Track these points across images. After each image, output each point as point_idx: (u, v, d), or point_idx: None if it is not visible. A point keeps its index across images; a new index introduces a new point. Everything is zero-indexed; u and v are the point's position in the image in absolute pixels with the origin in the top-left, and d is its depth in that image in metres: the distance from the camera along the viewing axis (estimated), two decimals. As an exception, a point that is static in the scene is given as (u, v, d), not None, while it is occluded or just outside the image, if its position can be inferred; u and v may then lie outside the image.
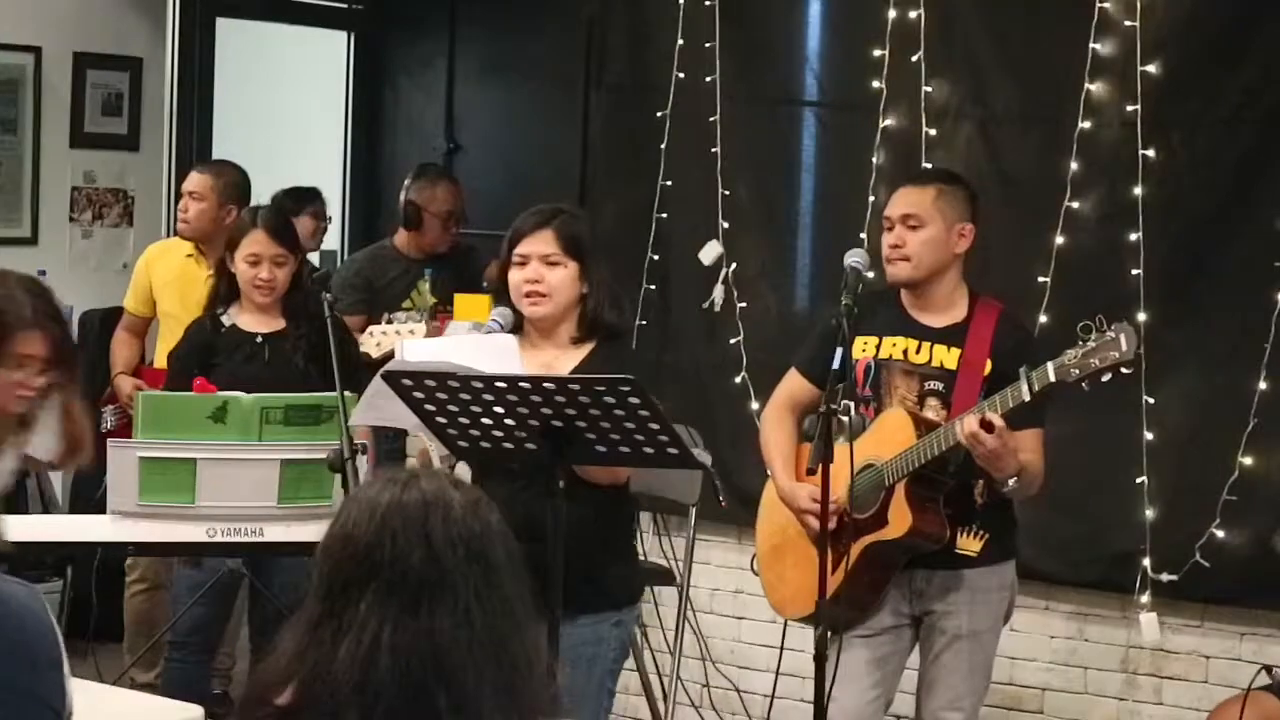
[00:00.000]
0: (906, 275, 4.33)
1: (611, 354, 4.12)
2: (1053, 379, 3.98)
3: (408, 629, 2.07)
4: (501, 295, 4.16)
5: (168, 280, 6.04)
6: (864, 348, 4.39)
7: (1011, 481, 4.16)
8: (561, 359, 4.09)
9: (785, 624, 4.49)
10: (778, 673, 4.37)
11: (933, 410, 4.29)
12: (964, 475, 4.22)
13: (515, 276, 4.09)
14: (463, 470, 3.99)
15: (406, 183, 6.67)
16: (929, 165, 5.42)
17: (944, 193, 4.34)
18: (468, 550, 2.12)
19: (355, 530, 2.12)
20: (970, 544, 4.30)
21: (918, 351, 4.35)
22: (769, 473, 4.55)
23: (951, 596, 4.33)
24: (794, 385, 4.54)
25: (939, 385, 4.30)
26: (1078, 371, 3.96)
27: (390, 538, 2.10)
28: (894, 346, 4.36)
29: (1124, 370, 3.96)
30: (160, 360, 5.97)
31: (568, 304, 4.09)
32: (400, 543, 2.10)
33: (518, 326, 4.10)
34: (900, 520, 4.22)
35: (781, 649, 4.35)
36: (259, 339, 5.20)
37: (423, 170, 6.84)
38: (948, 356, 4.31)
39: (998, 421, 4.02)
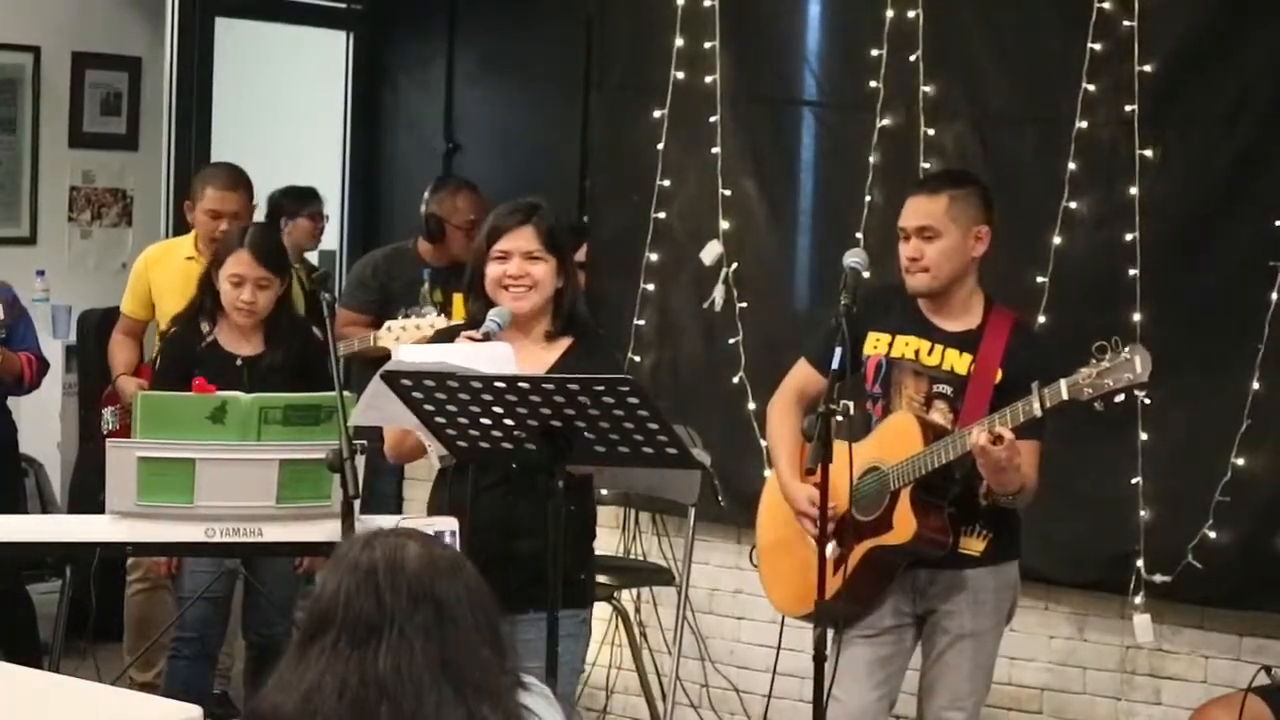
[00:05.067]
0: (926, 286, 4.33)
1: (595, 349, 4.18)
2: (1065, 397, 3.99)
3: (351, 662, 2.41)
4: (475, 290, 4.18)
5: (169, 285, 5.95)
6: (876, 344, 4.39)
7: (1012, 497, 4.18)
8: (539, 354, 4.12)
9: (783, 624, 4.49)
10: (774, 672, 4.37)
11: (939, 413, 4.29)
12: (969, 481, 4.22)
13: (495, 271, 4.12)
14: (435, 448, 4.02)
15: (426, 195, 6.63)
16: (936, 167, 5.40)
17: (956, 199, 4.33)
18: (412, 594, 2.43)
19: (323, 591, 2.48)
20: (974, 544, 4.31)
21: (929, 353, 4.35)
22: (773, 466, 4.55)
23: (954, 596, 4.33)
24: (803, 376, 4.54)
25: (948, 389, 4.30)
26: (1091, 391, 3.96)
27: (346, 594, 2.45)
28: (906, 346, 4.36)
29: (1137, 392, 3.97)
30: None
31: (548, 298, 4.13)
32: (353, 596, 2.44)
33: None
34: (905, 526, 4.22)
35: (779, 649, 4.34)
36: (239, 362, 5.17)
37: (441, 182, 6.81)
38: (959, 362, 4.31)
39: (1007, 435, 4.02)
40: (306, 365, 5.10)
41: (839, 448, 4.13)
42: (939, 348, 4.34)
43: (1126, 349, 3.95)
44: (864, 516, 4.30)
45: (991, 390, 4.24)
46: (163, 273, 6.02)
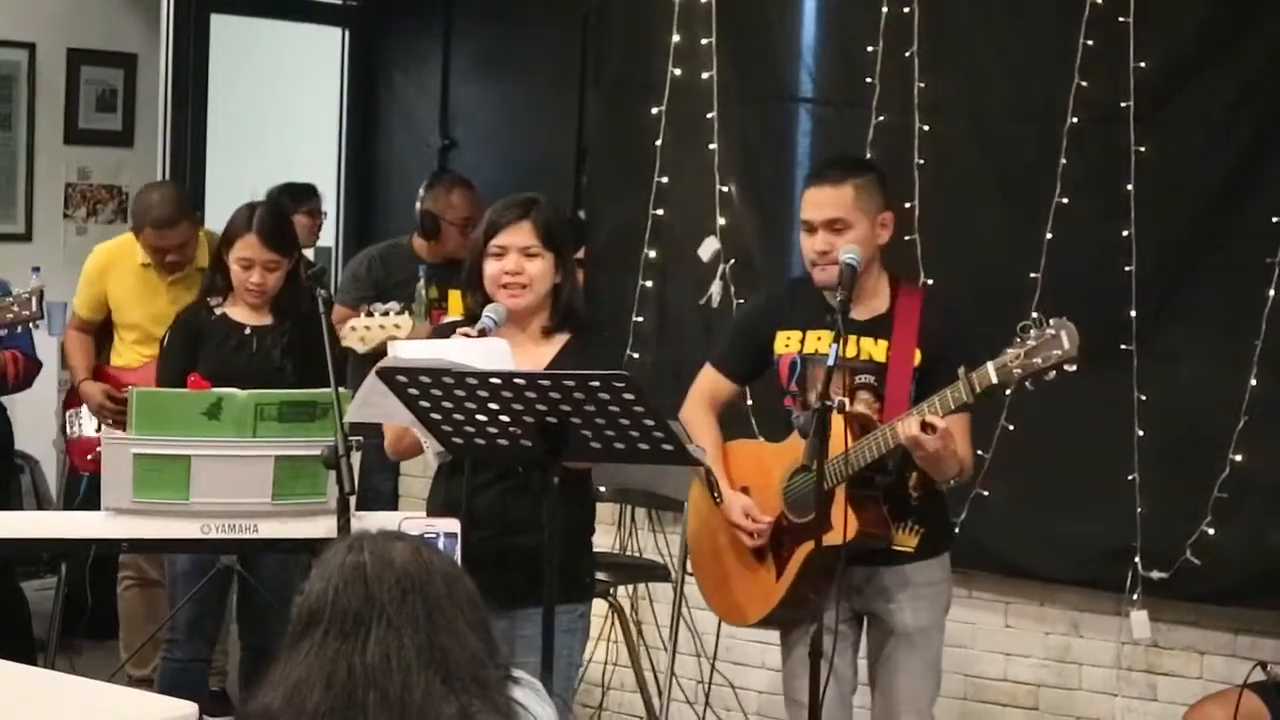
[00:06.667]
0: (837, 280, 4.20)
1: (591, 346, 4.17)
2: (994, 380, 3.93)
3: (339, 653, 2.42)
4: (474, 285, 4.17)
5: (128, 292, 5.89)
6: (787, 343, 4.33)
7: (952, 481, 4.15)
8: (536, 351, 4.11)
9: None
10: (712, 661, 4.35)
11: (864, 404, 4.23)
12: (902, 465, 4.17)
13: (493, 268, 4.11)
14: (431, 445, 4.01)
15: (420, 192, 6.63)
16: (931, 163, 5.39)
17: (861, 188, 4.24)
18: (401, 586, 2.45)
19: (311, 591, 2.50)
20: (907, 540, 4.26)
21: (844, 345, 4.26)
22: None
23: (893, 594, 4.29)
24: (712, 382, 4.52)
25: (870, 378, 4.23)
26: (1020, 371, 3.90)
27: (334, 590, 2.47)
28: (819, 341, 4.26)
29: (1068, 368, 3.90)
30: (118, 359, 5.92)
31: (544, 294, 4.12)
32: (341, 592, 2.46)
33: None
34: (844, 524, 4.15)
35: (713, 637, 4.33)
36: (247, 330, 5.23)
37: (436, 178, 6.81)
38: (875, 349, 4.25)
39: (939, 424, 3.97)
40: (306, 337, 5.10)
41: (761, 449, 4.10)
42: (853, 338, 4.21)
43: (1051, 324, 3.88)
44: (798, 518, 4.25)
45: (912, 372, 4.19)
46: (119, 282, 5.92)
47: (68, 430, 6.08)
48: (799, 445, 4.25)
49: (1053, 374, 3.91)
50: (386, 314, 5.71)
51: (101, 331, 6.01)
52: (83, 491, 5.89)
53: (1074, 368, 3.88)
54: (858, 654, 4.42)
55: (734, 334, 4.56)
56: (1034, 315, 3.91)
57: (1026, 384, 3.94)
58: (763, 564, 4.35)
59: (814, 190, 4.28)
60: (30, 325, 5.69)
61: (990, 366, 3.93)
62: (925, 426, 3.97)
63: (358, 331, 5.66)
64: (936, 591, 4.35)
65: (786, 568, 4.27)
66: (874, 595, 4.30)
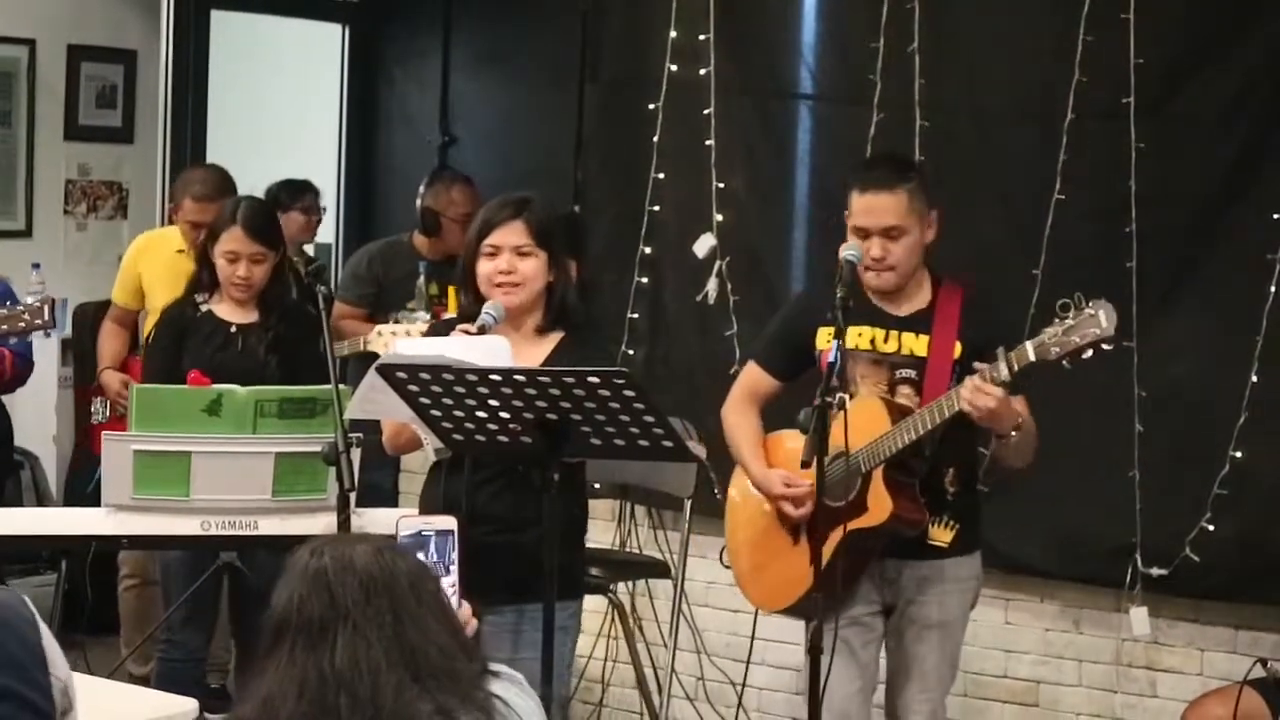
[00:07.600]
0: (893, 284, 4.29)
1: (585, 343, 4.17)
2: (1032, 359, 3.97)
3: (308, 662, 2.41)
4: (466, 284, 4.17)
5: (158, 276, 5.93)
6: (828, 338, 4.35)
7: (1014, 433, 4.15)
8: (530, 349, 4.11)
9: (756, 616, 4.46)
10: (748, 662, 4.34)
11: (905, 398, 4.27)
12: (938, 459, 4.21)
13: (486, 267, 4.11)
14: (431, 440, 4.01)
15: (421, 189, 6.64)
16: (932, 160, 5.39)
17: (913, 193, 4.28)
18: (364, 588, 2.44)
19: (277, 601, 2.49)
20: (942, 534, 4.30)
21: (885, 340, 4.31)
22: (738, 462, 4.54)
23: (924, 587, 4.32)
24: (754, 378, 4.55)
25: (911, 373, 4.28)
26: (1058, 350, 3.94)
27: (299, 599, 2.46)
28: (860, 336, 4.31)
29: (1105, 347, 3.94)
30: None
31: (538, 293, 4.12)
32: (305, 600, 2.45)
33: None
34: (881, 507, 4.20)
35: (753, 638, 4.33)
36: (233, 329, 5.23)
37: (436, 175, 6.82)
38: (917, 344, 4.28)
39: (972, 396, 4.01)
40: (292, 334, 5.12)
41: (798, 439, 4.12)
42: (894, 333, 4.30)
43: (1090, 304, 3.92)
44: (833, 503, 4.25)
45: (952, 365, 4.23)
46: (152, 264, 5.99)
47: (93, 416, 6.11)
48: (835, 433, 4.28)
49: (1090, 353, 3.95)
50: (415, 321, 5.74)
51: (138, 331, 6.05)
52: (96, 478, 5.90)
53: (1110, 347, 3.94)
54: (880, 650, 4.43)
55: (776, 331, 4.58)
56: (1076, 295, 3.94)
57: (1064, 363, 3.97)
58: (797, 549, 4.37)
59: (870, 196, 4.28)
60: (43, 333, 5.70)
61: (1029, 345, 3.98)
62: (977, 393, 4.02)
63: (384, 337, 5.69)
64: (966, 587, 4.39)
65: (820, 551, 4.28)
66: (905, 587, 4.34)
